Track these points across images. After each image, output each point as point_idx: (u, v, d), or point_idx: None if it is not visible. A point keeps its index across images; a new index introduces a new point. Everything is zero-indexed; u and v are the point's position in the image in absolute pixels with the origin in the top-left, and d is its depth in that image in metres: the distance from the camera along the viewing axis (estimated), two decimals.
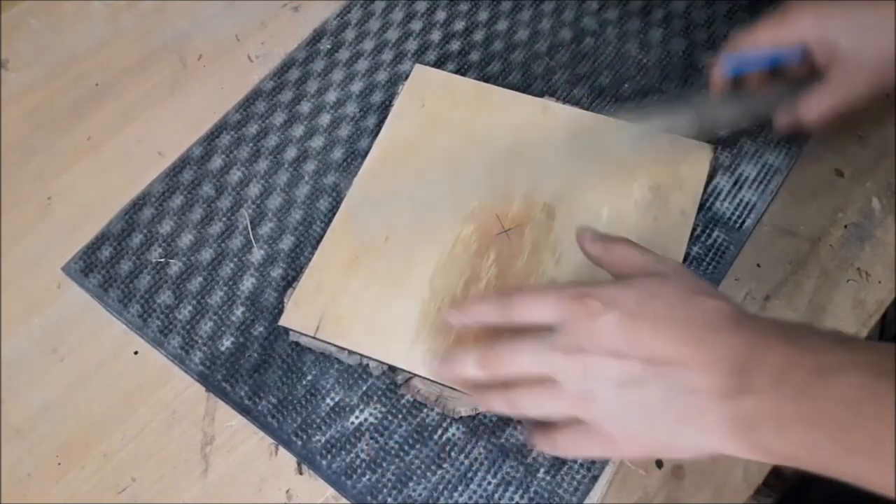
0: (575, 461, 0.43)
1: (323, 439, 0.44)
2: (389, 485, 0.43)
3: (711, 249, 0.49)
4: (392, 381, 0.46)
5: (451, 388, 0.44)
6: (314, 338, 0.46)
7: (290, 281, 0.49)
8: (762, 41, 0.46)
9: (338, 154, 0.54)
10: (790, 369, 0.30)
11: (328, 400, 0.45)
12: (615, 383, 0.34)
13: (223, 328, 0.48)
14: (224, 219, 0.52)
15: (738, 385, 0.31)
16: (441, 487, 0.43)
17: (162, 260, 0.50)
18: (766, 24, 0.45)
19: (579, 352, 0.34)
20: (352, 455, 0.44)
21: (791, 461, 0.30)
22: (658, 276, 0.36)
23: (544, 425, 0.37)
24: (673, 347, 0.33)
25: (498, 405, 0.37)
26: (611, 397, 0.34)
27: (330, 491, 0.43)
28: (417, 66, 0.56)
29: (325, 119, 0.56)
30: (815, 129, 0.46)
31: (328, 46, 0.59)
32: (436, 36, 0.59)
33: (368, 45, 0.59)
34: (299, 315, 0.47)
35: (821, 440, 0.29)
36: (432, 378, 0.44)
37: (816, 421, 0.29)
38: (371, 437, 0.44)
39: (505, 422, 0.44)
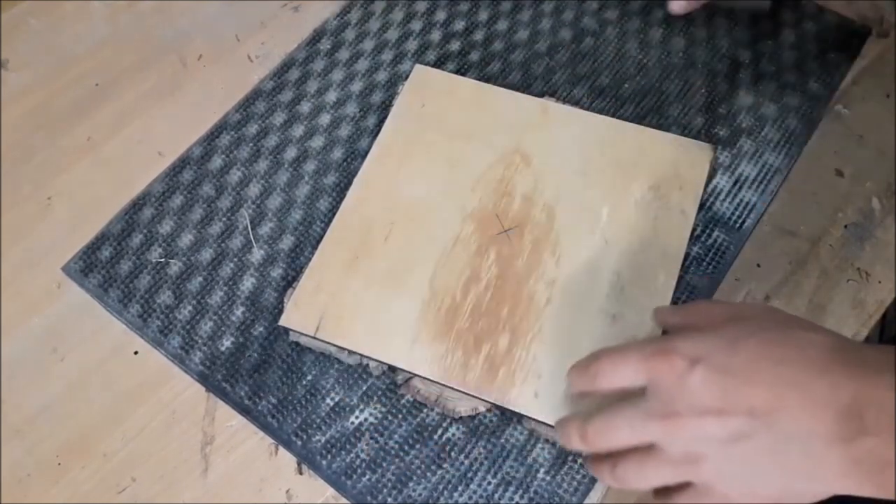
0: (575, 461, 0.43)
1: (323, 439, 0.44)
2: (389, 485, 0.43)
3: (711, 249, 0.49)
4: (392, 381, 0.46)
5: (451, 388, 0.44)
6: (314, 338, 0.46)
7: (290, 281, 0.49)
8: None
9: (338, 154, 0.54)
10: None
11: (328, 400, 0.45)
12: (720, 442, 0.32)
13: (223, 328, 0.48)
14: (224, 219, 0.52)
15: (854, 428, 0.29)
16: (441, 487, 0.43)
17: (162, 260, 0.50)
18: None
19: (675, 416, 0.32)
20: (352, 455, 0.44)
21: None
22: (742, 319, 0.34)
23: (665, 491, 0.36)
24: (773, 394, 0.31)
25: (608, 480, 0.36)
26: (719, 457, 0.32)
27: (330, 491, 0.43)
28: (417, 67, 0.57)
29: (325, 119, 0.56)
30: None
31: (328, 46, 0.59)
32: (436, 36, 0.59)
33: (368, 45, 0.59)
34: (299, 315, 0.47)
35: None
36: (435, 380, 0.44)
37: None
38: (371, 437, 0.44)
39: (505, 422, 0.44)
